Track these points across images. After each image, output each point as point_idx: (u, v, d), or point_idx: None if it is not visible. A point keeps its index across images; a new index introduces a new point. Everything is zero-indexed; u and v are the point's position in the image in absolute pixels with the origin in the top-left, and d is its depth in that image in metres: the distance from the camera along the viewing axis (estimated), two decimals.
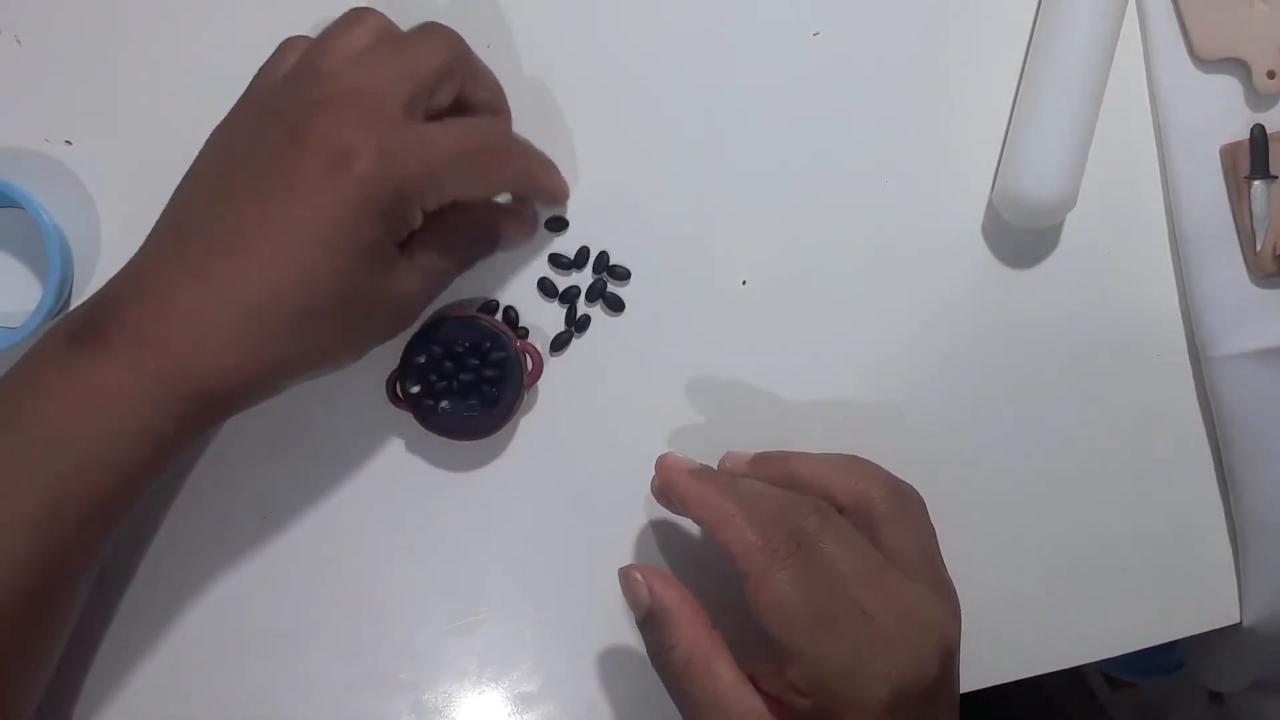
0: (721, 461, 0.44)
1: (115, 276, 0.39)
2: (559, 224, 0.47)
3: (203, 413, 0.38)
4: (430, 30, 0.41)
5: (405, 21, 0.41)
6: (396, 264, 0.39)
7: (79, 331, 0.37)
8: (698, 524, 0.44)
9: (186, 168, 0.40)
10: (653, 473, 0.41)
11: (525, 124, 0.47)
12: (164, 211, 0.40)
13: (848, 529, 0.37)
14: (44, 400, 0.37)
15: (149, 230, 0.39)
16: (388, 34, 0.40)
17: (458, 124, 0.40)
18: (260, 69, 0.41)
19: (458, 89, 0.41)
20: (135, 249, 0.39)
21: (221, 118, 0.41)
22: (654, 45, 0.48)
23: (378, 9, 0.41)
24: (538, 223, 0.47)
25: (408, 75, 0.38)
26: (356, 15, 0.40)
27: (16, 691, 0.39)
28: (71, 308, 0.46)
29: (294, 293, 0.36)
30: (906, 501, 0.40)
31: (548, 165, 0.46)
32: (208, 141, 0.40)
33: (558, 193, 0.46)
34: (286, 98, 0.39)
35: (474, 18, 0.47)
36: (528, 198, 0.46)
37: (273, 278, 0.36)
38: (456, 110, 0.42)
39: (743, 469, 0.43)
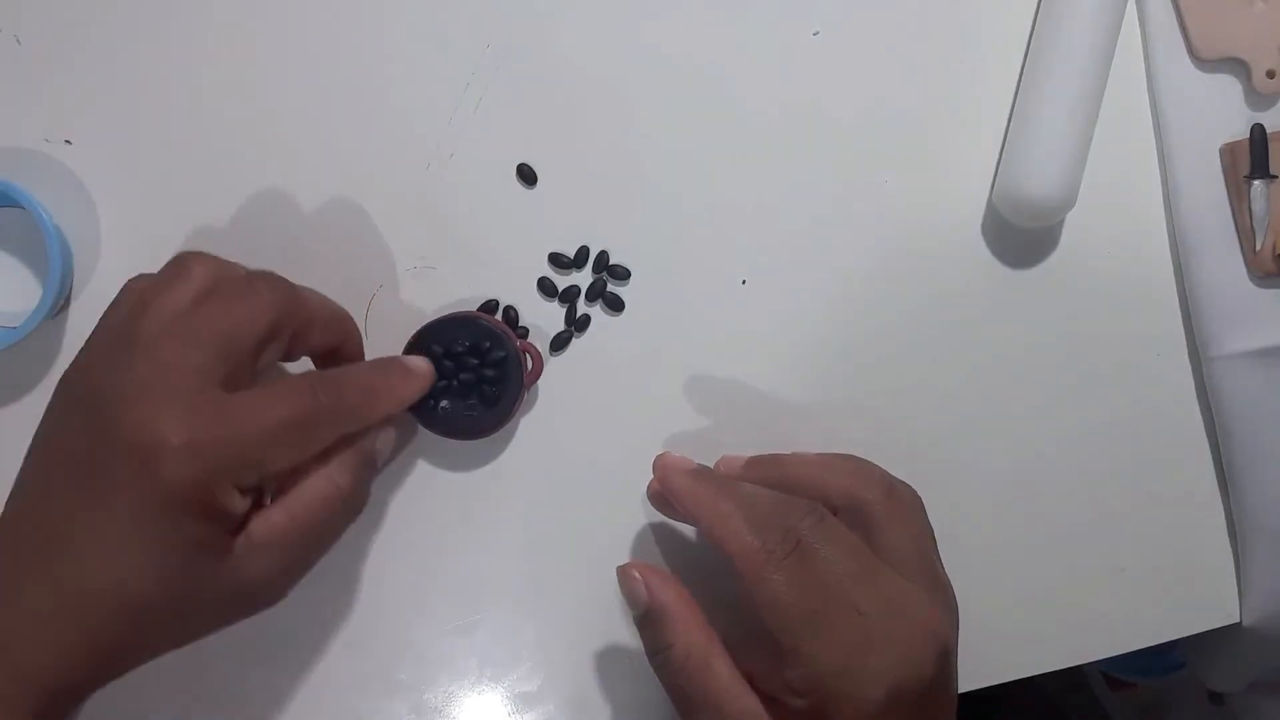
0: (716, 466, 0.44)
1: None
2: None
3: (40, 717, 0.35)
4: (255, 285, 0.38)
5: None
6: (231, 548, 0.36)
7: None
8: (694, 525, 0.45)
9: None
10: (652, 473, 0.41)
11: (527, 124, 0.47)
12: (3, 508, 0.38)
13: (841, 530, 0.37)
14: None
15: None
16: (214, 286, 0.38)
17: (274, 392, 0.37)
18: (97, 324, 0.39)
19: (285, 346, 0.39)
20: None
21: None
22: (655, 45, 0.48)
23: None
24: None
25: (226, 346, 0.36)
26: (184, 266, 0.38)
27: None
28: (71, 308, 0.46)
29: (112, 595, 0.35)
30: (902, 501, 0.40)
31: (385, 397, 0.40)
32: (39, 426, 0.38)
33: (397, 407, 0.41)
34: (102, 374, 0.37)
35: (475, 18, 0.48)
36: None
37: (87, 583, 0.35)
38: (297, 344, 0.40)
39: (738, 472, 0.43)
